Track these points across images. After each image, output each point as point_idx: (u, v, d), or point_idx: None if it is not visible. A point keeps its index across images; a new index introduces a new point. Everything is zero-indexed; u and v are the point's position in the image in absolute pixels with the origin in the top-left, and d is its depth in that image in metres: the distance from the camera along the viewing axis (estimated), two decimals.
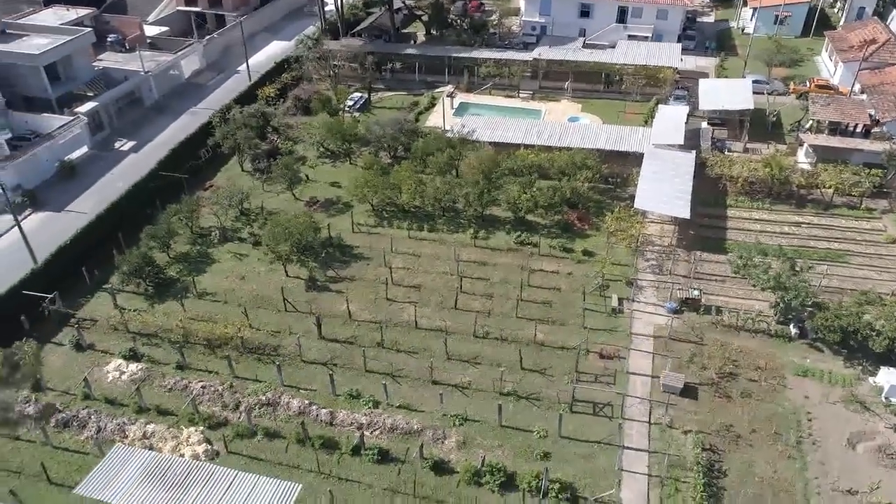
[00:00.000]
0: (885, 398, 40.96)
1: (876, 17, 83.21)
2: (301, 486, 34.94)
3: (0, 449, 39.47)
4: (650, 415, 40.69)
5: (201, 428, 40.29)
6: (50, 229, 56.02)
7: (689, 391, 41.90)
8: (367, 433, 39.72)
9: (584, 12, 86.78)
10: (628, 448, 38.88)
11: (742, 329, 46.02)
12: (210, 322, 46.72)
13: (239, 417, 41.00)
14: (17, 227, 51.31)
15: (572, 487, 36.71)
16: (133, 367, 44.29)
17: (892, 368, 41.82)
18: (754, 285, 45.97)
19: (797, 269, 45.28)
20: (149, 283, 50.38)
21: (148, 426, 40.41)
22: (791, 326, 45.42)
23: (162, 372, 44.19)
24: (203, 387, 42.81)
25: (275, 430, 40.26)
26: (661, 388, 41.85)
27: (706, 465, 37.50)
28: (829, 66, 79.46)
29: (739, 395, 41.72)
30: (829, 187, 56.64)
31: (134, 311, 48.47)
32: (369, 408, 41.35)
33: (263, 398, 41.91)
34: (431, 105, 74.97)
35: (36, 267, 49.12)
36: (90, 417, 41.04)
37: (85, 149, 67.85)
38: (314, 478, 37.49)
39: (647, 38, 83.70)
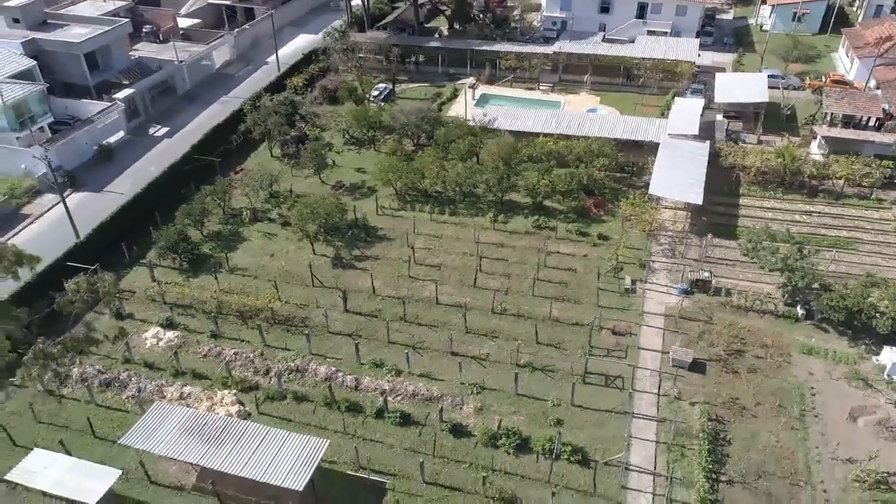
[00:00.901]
0: (888, 376, 42.61)
1: (893, 15, 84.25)
2: (329, 441, 37.39)
3: (48, 406, 42.29)
4: (659, 387, 42.66)
5: (234, 391, 42.84)
6: (89, 208, 58.86)
7: (697, 366, 43.80)
8: (389, 398, 42.03)
9: (604, 8, 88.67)
10: (637, 417, 40.91)
11: (750, 310, 47.80)
12: (242, 294, 49.32)
13: (269, 382, 43.52)
14: (60, 205, 54.29)
15: (583, 451, 38.78)
16: (170, 334, 46.94)
17: (895, 348, 43.43)
18: (762, 267, 47.76)
19: (804, 252, 46.96)
20: (184, 259, 53.05)
21: (184, 388, 43.04)
22: (798, 308, 47.15)
23: (197, 340, 46.81)
24: (235, 354, 45.35)
25: (303, 394, 42.71)
26: (671, 362, 43.79)
27: (711, 433, 39.44)
28: (845, 62, 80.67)
29: (746, 370, 43.56)
30: (841, 178, 58.12)
31: (170, 283, 51.15)
32: (392, 375, 43.69)
33: (292, 365, 44.39)
34: (454, 96, 77.23)
35: (79, 241, 51.98)
36: (130, 379, 43.75)
37: (121, 133, 70.81)
38: (340, 437, 39.85)
39: (665, 33, 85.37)
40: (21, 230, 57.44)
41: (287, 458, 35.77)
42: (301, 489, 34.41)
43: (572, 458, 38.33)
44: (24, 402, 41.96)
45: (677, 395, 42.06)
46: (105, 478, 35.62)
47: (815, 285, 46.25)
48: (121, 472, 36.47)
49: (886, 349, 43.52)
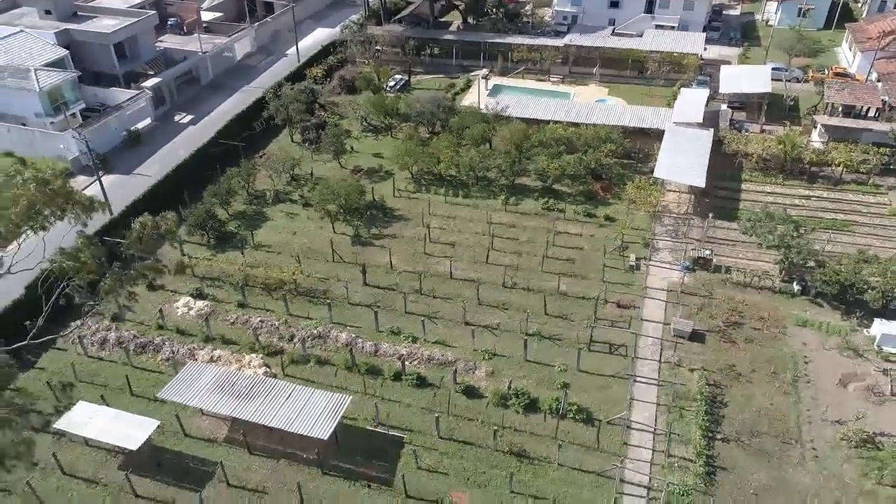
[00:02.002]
0: (877, 346, 45.05)
1: (895, 10, 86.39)
2: (351, 397, 40.26)
3: (88, 367, 45.32)
4: (661, 354, 45.26)
5: (260, 355, 45.73)
6: (120, 189, 61.85)
7: (696, 336, 46.37)
8: (406, 362, 44.80)
9: (614, 3, 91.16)
10: (639, 381, 43.53)
11: (749, 286, 50.30)
12: (267, 267, 52.26)
13: (293, 347, 46.40)
14: (93, 185, 57.36)
15: (588, 411, 41.45)
16: (199, 303, 49.91)
17: (885, 320, 45.83)
18: (761, 244, 50.27)
19: (801, 230, 49.41)
20: (211, 235, 56.05)
21: (214, 352, 45.98)
22: (794, 284, 49.61)
23: (225, 309, 49.76)
24: (261, 321, 48.26)
25: (325, 358, 45.57)
26: (672, 332, 46.37)
27: (709, 396, 42.01)
28: (848, 56, 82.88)
29: (743, 340, 46.11)
30: (839, 164, 60.47)
31: (198, 257, 54.13)
32: (409, 342, 46.49)
33: (315, 332, 47.24)
34: (467, 87, 80.00)
35: (113, 217, 55.03)
36: (164, 344, 46.73)
37: (149, 120, 73.92)
38: (360, 397, 42.61)
39: (673, 28, 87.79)
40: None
41: (312, 410, 38.66)
42: (326, 438, 37.26)
43: (577, 417, 41.01)
44: (67, 363, 45.02)
45: (677, 363, 44.65)
46: (145, 427, 38.58)
47: (811, 262, 48.65)
48: (159, 422, 39.43)
49: (877, 321, 45.90)
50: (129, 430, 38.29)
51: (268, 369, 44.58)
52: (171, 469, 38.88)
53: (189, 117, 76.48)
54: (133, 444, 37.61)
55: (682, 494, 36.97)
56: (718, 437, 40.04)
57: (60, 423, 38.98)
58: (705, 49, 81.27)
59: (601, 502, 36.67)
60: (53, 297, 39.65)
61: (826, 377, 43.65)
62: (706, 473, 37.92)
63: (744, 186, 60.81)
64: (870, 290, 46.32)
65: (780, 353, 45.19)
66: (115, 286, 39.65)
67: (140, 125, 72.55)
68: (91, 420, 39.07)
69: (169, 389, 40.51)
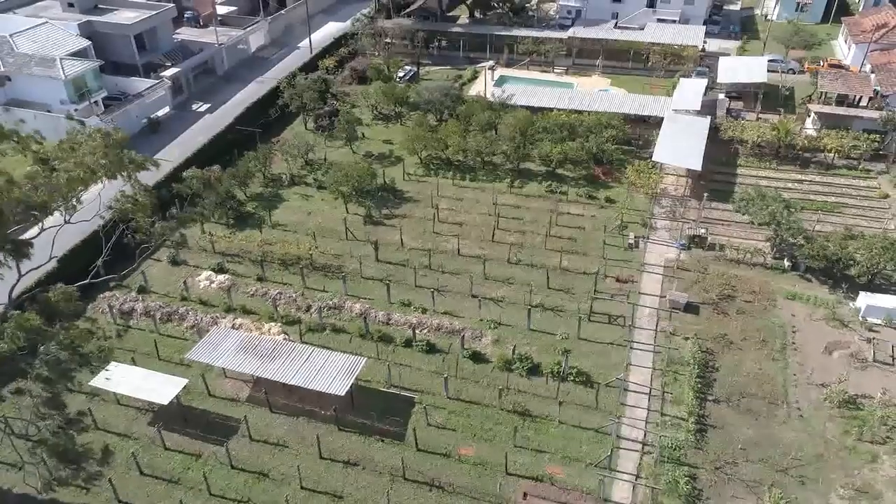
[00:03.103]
0: (862, 317, 47.66)
1: (890, 4, 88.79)
2: (366, 359, 43.14)
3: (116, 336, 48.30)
4: (657, 324, 47.93)
5: (279, 324, 48.60)
6: (142, 173, 64.68)
7: (691, 308, 49.05)
8: (417, 331, 47.59)
9: None
10: (636, 348, 46.24)
11: (742, 262, 52.95)
12: (284, 242, 55.14)
13: (310, 316, 49.25)
14: None
15: (588, 374, 44.20)
16: (221, 277, 52.79)
17: (869, 293, 48.44)
18: (752, 221, 52.92)
19: (791, 209, 52.06)
20: (230, 215, 58.94)
21: (236, 320, 48.84)
22: (784, 260, 52.25)
23: (245, 282, 52.63)
24: (279, 293, 51.12)
25: (340, 326, 48.41)
26: (668, 304, 49.06)
27: (702, 361, 44.70)
28: (843, 48, 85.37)
29: (735, 312, 48.77)
30: (831, 150, 63.04)
31: (219, 235, 57.04)
32: (419, 313, 49.29)
33: (330, 303, 50.07)
34: (474, 77, 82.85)
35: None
36: (188, 313, 49.64)
37: (167, 108, 76.91)
38: (374, 362, 45.38)
39: (674, 21, 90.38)
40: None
41: (330, 370, 41.53)
42: (343, 394, 40.10)
43: (577, 380, 43.77)
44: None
45: (672, 332, 47.33)
46: (174, 384, 41.50)
47: (800, 239, 51.28)
48: (187, 380, 42.34)
49: (862, 294, 48.50)
50: (159, 387, 41.17)
51: (287, 336, 47.42)
52: (198, 424, 41.77)
53: (206, 106, 79.43)
54: (164, 399, 40.52)
55: (674, 448, 39.66)
56: (710, 398, 42.75)
57: (94, 382, 41.77)
58: (705, 42, 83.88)
59: (598, 455, 39.35)
60: (114, 238, 46.18)
61: (812, 345, 46.28)
62: (697, 430, 40.62)
63: (739, 171, 63.45)
64: (855, 265, 48.93)
65: (770, 324, 47.83)
66: (168, 228, 46.25)
67: (159, 113, 75.53)
68: (124, 378, 41.94)
69: (196, 351, 43.44)
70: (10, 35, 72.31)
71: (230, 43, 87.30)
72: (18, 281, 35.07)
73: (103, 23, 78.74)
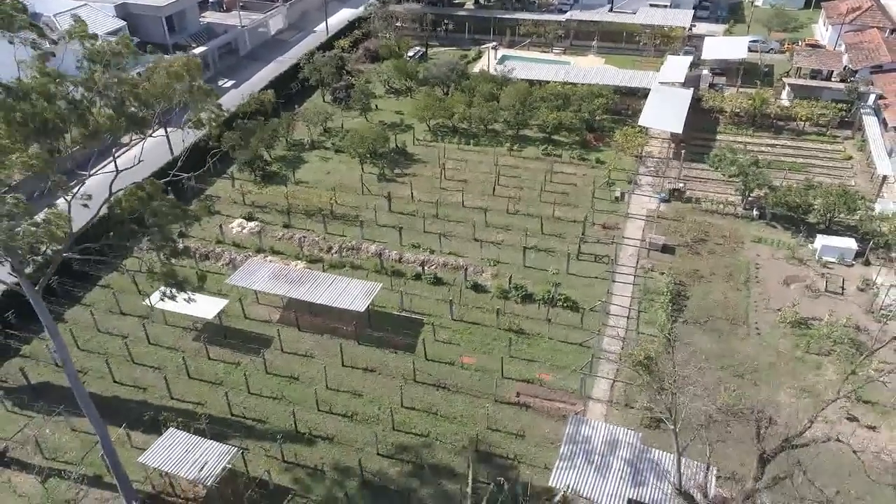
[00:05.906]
0: (818, 256, 54.01)
1: None
2: (382, 284, 49.79)
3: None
4: (637, 262, 54.40)
5: (304, 262, 55.25)
6: (176, 136, 71.41)
7: (667, 249, 55.44)
8: (425, 267, 54.18)
9: None
10: (618, 281, 52.70)
11: (715, 213, 59.34)
12: (308, 193, 61.83)
13: (331, 256, 55.88)
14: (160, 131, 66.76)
15: (574, 301, 50.69)
16: (251, 224, 59.51)
17: (825, 235, 54.78)
18: (724, 174, 59.29)
19: (758, 164, 58.43)
20: (258, 173, 65.62)
21: (266, 258, 55.55)
22: (753, 210, 58.61)
23: (272, 228, 59.30)
24: (304, 237, 57.77)
25: (358, 264, 55.03)
26: (647, 244, 55.49)
27: (674, 291, 51.12)
28: (822, 31, 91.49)
29: (706, 253, 55.15)
30: (802, 118, 69.35)
31: (248, 191, 63.76)
32: (427, 253, 55.84)
33: (349, 244, 56.69)
34: (478, 57, 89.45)
35: (174, 156, 64.67)
36: (223, 253, 56.37)
37: None
38: (387, 291, 51.93)
39: (665, 6, 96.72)
40: (124, 152, 70.27)
41: (351, 293, 48.13)
42: (363, 311, 46.74)
43: (565, 305, 50.27)
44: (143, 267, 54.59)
45: (650, 268, 53.74)
46: (217, 304, 48.19)
47: (766, 189, 57.64)
48: (227, 300, 49.04)
49: (819, 237, 54.85)
50: (204, 305, 47.77)
51: (311, 271, 54.01)
52: (237, 339, 48.49)
53: (231, 82, 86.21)
54: (209, 314, 47.23)
55: (647, 359, 46.02)
56: (680, 320, 49.20)
57: (152, 300, 48.36)
58: (693, 25, 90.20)
59: (581, 362, 45.81)
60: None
61: (773, 279, 52.67)
62: (667, 343, 47.00)
63: (718, 137, 69.83)
64: (814, 212, 55.31)
65: (737, 262, 54.24)
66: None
67: None
68: (171, 300, 48.53)
69: (235, 277, 50.17)
70: (54, 15, 79.15)
71: (252, 26, 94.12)
72: (116, 177, 37.90)
73: (137, 5, 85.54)
